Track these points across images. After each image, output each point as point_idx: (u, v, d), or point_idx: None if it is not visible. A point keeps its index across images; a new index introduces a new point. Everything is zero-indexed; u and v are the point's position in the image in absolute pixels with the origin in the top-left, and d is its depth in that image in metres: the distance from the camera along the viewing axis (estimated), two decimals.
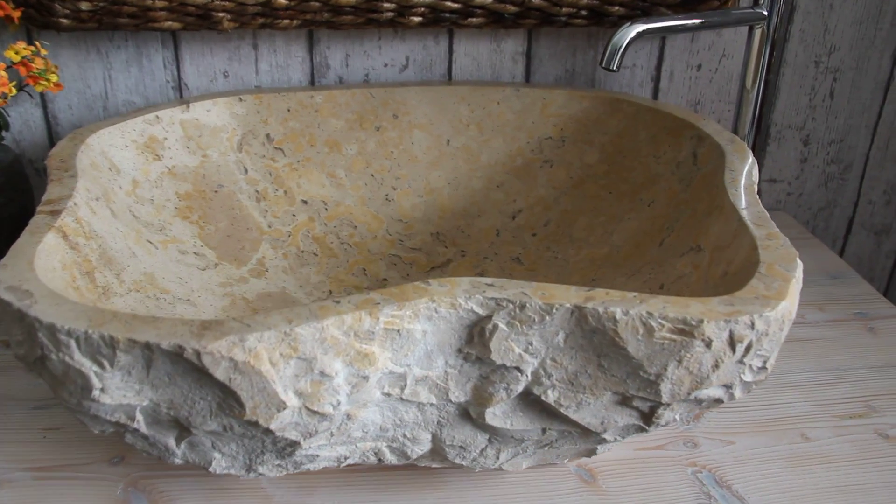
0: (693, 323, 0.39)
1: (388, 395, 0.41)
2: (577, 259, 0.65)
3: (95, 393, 0.38)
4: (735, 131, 0.73)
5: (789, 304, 0.41)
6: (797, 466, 0.51)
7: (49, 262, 0.44)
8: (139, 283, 0.52)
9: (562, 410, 0.42)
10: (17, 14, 0.62)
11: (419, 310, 0.40)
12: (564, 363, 0.41)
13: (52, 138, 0.72)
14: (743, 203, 0.51)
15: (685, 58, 0.77)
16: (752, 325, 0.39)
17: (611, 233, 0.65)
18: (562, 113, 0.71)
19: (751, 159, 0.56)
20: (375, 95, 0.71)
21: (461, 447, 0.45)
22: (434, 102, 0.72)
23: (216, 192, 0.66)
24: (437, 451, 0.45)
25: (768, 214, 0.49)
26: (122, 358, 0.37)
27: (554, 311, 0.40)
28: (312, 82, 0.74)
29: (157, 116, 0.65)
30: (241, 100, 0.69)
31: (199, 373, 0.37)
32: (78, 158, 0.56)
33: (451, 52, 0.74)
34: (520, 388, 0.42)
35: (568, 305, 0.39)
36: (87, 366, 0.38)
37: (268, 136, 0.69)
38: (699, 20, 0.63)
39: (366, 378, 0.40)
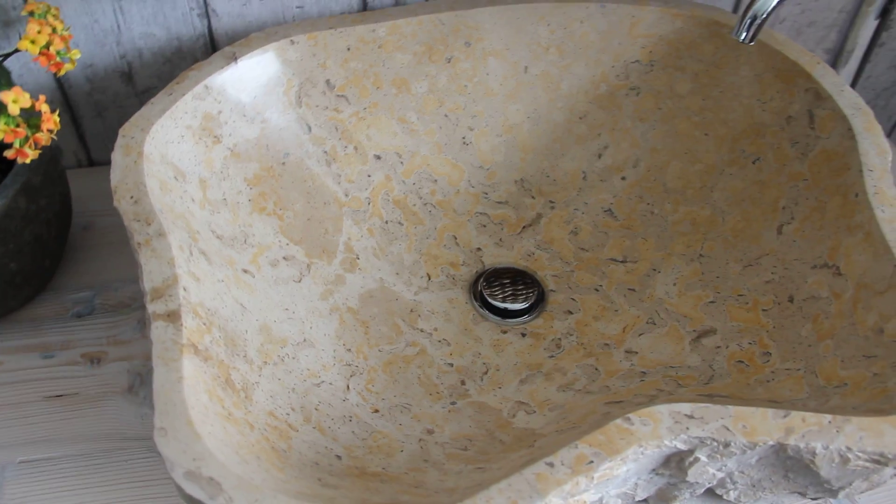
0: (891, 457, 0.40)
1: None
2: (675, 218, 0.62)
3: None
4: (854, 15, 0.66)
5: None
6: None
7: (199, 401, 0.40)
8: (262, 349, 0.48)
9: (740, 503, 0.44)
10: None
11: (628, 456, 0.39)
12: (751, 474, 0.42)
13: (60, 81, 0.61)
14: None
15: None
16: None
17: (711, 188, 0.62)
18: (651, 33, 0.63)
19: (890, 153, 0.53)
20: (445, 21, 0.61)
21: None
22: (510, 24, 0.62)
23: (283, 163, 0.58)
24: None
25: None
26: None
27: (758, 447, 0.40)
28: (364, 2, 0.62)
29: (206, 87, 0.55)
30: (292, 42, 0.58)
31: None
32: (149, 189, 0.48)
33: None
34: (702, 490, 0.43)
35: (772, 442, 0.40)
36: None
37: (328, 82, 0.60)
38: None
39: None
